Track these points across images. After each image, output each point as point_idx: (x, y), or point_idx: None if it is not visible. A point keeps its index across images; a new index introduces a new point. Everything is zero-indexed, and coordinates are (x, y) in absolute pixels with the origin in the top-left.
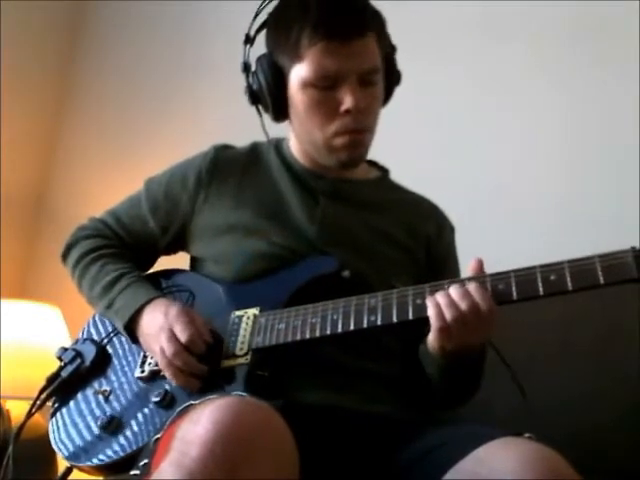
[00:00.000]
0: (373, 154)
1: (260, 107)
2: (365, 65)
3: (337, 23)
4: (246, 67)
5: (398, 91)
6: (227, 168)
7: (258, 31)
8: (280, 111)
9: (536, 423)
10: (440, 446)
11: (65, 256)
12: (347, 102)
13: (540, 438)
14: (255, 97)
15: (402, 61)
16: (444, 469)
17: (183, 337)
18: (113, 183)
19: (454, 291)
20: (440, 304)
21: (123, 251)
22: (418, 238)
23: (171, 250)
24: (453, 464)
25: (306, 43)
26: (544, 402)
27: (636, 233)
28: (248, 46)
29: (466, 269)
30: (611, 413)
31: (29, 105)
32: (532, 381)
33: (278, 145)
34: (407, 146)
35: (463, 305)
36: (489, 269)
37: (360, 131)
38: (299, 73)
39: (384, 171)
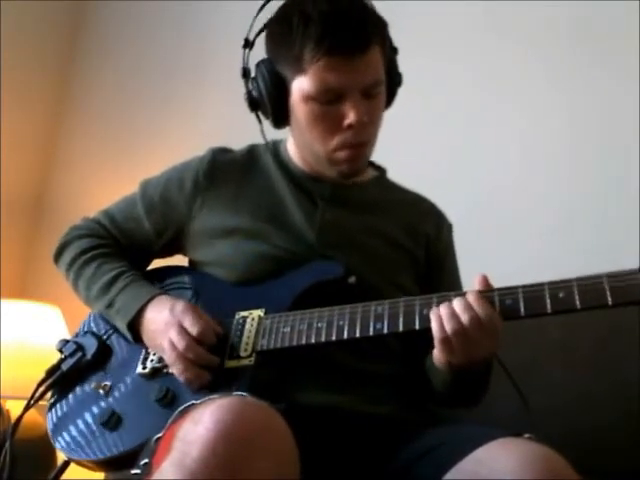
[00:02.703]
0: (373, 155)
1: (260, 114)
2: (368, 79)
3: (340, 39)
4: (245, 73)
5: (399, 91)
6: (225, 171)
7: (257, 35)
8: (281, 119)
9: (536, 423)
10: (440, 446)
11: (58, 256)
12: (350, 117)
13: (540, 438)
14: (255, 104)
15: (403, 61)
16: (444, 469)
17: (194, 330)
18: (113, 183)
19: (457, 303)
20: (442, 316)
21: (118, 250)
22: (418, 238)
23: (166, 253)
24: (453, 464)
25: (309, 58)
26: (544, 403)
27: (636, 234)
28: (247, 50)
29: (466, 270)
30: (611, 414)
31: (29, 105)
32: (532, 382)
33: (275, 148)
34: (407, 146)
35: (464, 317)
36: (491, 271)
37: (362, 145)
38: (301, 86)
39: (381, 170)
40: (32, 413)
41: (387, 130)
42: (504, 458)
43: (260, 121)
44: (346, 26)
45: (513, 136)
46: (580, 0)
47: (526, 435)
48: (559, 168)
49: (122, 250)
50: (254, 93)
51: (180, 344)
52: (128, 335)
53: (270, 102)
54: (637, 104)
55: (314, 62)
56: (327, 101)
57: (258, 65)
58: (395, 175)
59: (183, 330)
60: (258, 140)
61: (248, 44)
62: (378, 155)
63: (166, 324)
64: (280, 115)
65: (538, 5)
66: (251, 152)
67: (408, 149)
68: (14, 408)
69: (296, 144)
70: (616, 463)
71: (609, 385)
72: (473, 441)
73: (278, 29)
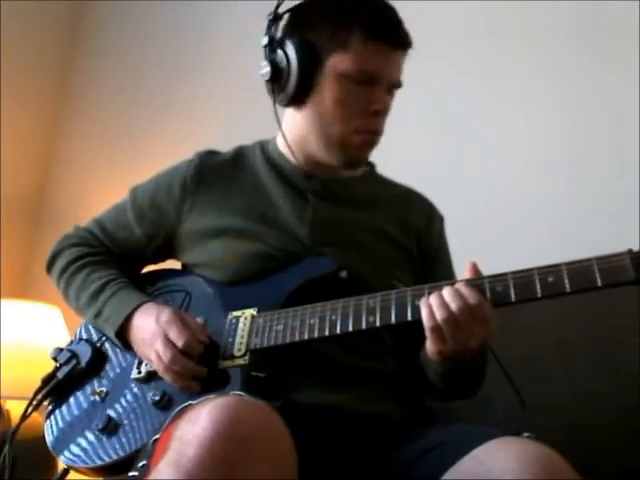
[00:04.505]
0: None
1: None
2: (397, 76)
3: (391, 30)
4: (272, 42)
5: (399, 92)
6: (213, 174)
7: (292, 11)
8: (302, 92)
9: (535, 422)
10: (439, 446)
11: (50, 266)
12: (381, 104)
13: (539, 437)
14: (278, 74)
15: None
16: (443, 468)
17: (180, 342)
18: (113, 183)
19: (446, 291)
20: (432, 304)
21: (109, 258)
22: (410, 232)
23: (158, 259)
24: (452, 464)
25: (357, 38)
26: (543, 402)
27: (637, 234)
28: (273, 22)
29: (462, 272)
30: (610, 413)
31: (29, 106)
32: (531, 381)
33: (263, 147)
34: (407, 146)
35: (454, 305)
36: (490, 269)
37: (377, 133)
38: (339, 63)
39: (371, 165)
40: (33, 414)
41: (387, 130)
42: (503, 457)
43: (274, 93)
44: (395, 21)
45: (513, 136)
46: (580, 0)
47: (525, 434)
48: (559, 167)
49: (113, 258)
50: (281, 63)
51: (165, 356)
52: (118, 343)
53: (299, 72)
54: (637, 103)
55: (362, 43)
56: (360, 83)
57: (287, 36)
58: (396, 175)
59: (169, 342)
60: (257, 139)
61: (277, 17)
62: (378, 155)
63: (152, 335)
64: (304, 87)
65: (538, 5)
66: (239, 153)
67: (408, 149)
68: (14, 408)
69: (298, 127)
70: (616, 463)
71: (608, 384)
72: (472, 440)
73: (324, 5)
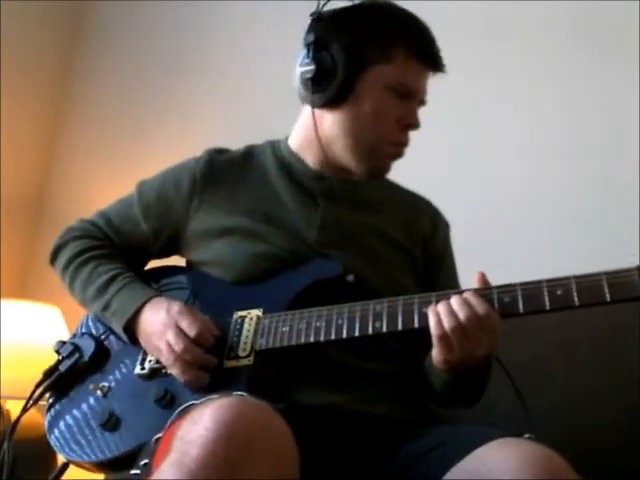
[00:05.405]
0: None
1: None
2: (425, 96)
3: (433, 52)
4: (318, 42)
5: None
6: (221, 172)
7: (338, 14)
8: (340, 97)
9: (536, 423)
10: (440, 446)
11: (54, 258)
12: (414, 118)
13: (540, 438)
14: (321, 74)
15: None
16: (444, 469)
17: (192, 332)
18: (113, 183)
19: (455, 300)
20: (439, 313)
21: (114, 252)
22: (415, 238)
23: (162, 254)
24: (453, 464)
25: (402, 53)
26: (544, 403)
27: (637, 234)
28: (317, 22)
29: (467, 270)
30: (611, 413)
31: (29, 105)
32: (532, 382)
33: (274, 146)
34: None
35: (462, 314)
36: (491, 270)
37: (405, 146)
38: (383, 73)
39: None
40: (32, 413)
41: None
42: (503, 458)
43: (312, 93)
44: (435, 45)
45: (513, 136)
46: (580, 0)
47: (526, 435)
48: (559, 167)
49: (118, 251)
50: (326, 62)
51: (178, 346)
52: (124, 337)
53: (344, 76)
54: (637, 103)
55: (406, 59)
56: (399, 96)
57: (334, 38)
58: (396, 175)
59: (180, 332)
60: (257, 140)
61: (321, 19)
62: None
63: (163, 326)
64: (345, 91)
65: (538, 5)
66: (248, 152)
67: (408, 149)
68: (14, 408)
69: (329, 129)
70: (616, 463)
71: (609, 385)
72: (473, 441)
73: (372, 15)
